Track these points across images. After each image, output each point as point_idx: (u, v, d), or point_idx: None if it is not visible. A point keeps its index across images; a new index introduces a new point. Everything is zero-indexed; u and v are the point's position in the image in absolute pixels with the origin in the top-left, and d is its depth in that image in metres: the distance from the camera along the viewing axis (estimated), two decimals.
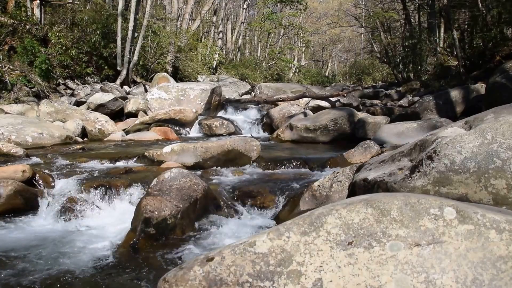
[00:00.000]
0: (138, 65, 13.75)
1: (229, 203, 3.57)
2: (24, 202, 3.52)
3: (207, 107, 9.88)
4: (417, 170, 2.39)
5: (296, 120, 7.44)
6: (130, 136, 7.47)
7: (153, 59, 14.45)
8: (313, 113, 8.22)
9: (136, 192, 3.69)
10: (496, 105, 3.26)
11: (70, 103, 9.43)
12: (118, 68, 12.65)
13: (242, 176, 4.30)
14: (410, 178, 2.41)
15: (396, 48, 19.96)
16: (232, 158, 4.83)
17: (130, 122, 8.49)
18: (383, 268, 1.48)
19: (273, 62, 28.31)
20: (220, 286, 1.50)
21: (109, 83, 11.81)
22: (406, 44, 16.24)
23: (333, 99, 11.59)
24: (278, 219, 3.29)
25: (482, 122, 2.62)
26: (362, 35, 35.96)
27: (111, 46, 12.61)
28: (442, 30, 15.09)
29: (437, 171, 2.29)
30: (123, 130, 7.98)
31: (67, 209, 3.48)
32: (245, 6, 26.87)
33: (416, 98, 10.24)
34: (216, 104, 10.36)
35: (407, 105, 10.12)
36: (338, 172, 3.36)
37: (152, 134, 7.58)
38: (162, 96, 9.64)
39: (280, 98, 11.08)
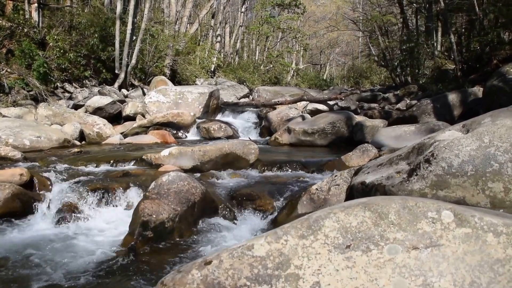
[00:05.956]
0: (136, 69, 13.74)
1: (227, 206, 3.57)
2: (22, 205, 3.52)
3: (205, 110, 9.87)
4: (415, 174, 2.40)
5: (294, 124, 7.44)
6: (128, 140, 7.45)
7: (151, 62, 14.44)
8: (311, 117, 8.22)
9: (134, 195, 3.69)
10: (493, 108, 3.26)
11: (68, 106, 9.40)
12: (116, 71, 12.64)
13: (240, 179, 4.30)
14: (407, 181, 2.41)
15: (394, 52, 19.99)
16: (230, 162, 4.83)
17: (128, 125, 8.48)
18: (381, 272, 1.48)
19: (271, 66, 28.34)
20: None
21: (107, 86, 11.79)
22: (404, 47, 16.26)
23: (331, 102, 11.61)
24: (276, 222, 3.28)
25: (480, 125, 2.63)
26: (360, 39, 36.01)
27: (109, 49, 12.60)
28: (439, 33, 15.12)
29: (434, 175, 2.30)
30: (121, 133, 7.96)
31: (65, 213, 3.48)
32: (243, 10, 26.90)
33: (413, 102, 10.26)
34: (214, 107, 10.36)
35: (404, 108, 10.14)
36: (336, 176, 3.36)
37: (150, 138, 7.57)
38: (160, 99, 9.63)
39: (278, 101, 11.10)
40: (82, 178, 4.15)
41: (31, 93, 9.27)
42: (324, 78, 36.40)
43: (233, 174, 4.49)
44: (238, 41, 27.31)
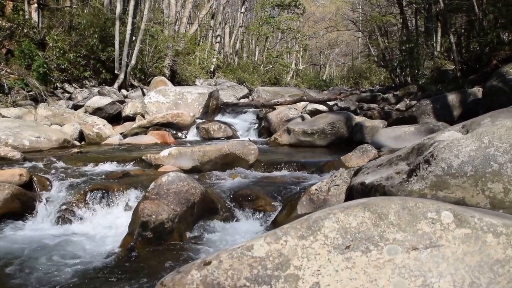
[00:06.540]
0: (136, 69, 13.74)
1: (227, 206, 3.57)
2: (21, 205, 3.51)
3: (205, 110, 9.88)
4: (415, 174, 2.40)
5: (294, 124, 7.44)
6: (128, 140, 7.45)
7: (151, 62, 14.44)
8: (311, 117, 8.22)
9: (133, 196, 3.68)
10: (493, 109, 3.27)
11: (67, 107, 9.41)
12: (116, 71, 12.65)
13: (240, 180, 4.30)
14: (407, 182, 2.41)
15: (393, 52, 19.99)
16: (230, 162, 4.83)
17: (127, 126, 8.48)
18: (381, 272, 1.48)
19: (271, 66, 28.35)
20: None
21: (106, 87, 11.80)
22: (403, 48, 16.25)
23: (330, 103, 11.61)
24: (276, 222, 3.28)
25: (479, 126, 2.63)
26: (360, 39, 36.06)
27: (109, 50, 12.61)
28: (439, 34, 15.11)
29: (434, 175, 2.30)
30: (121, 133, 7.97)
31: (64, 213, 3.48)
32: (242, 10, 26.92)
33: (413, 102, 10.25)
34: (213, 107, 10.36)
35: (404, 109, 10.13)
36: (335, 176, 3.36)
37: (149, 138, 7.57)
38: (160, 99, 9.64)
39: (278, 102, 11.08)
40: (81, 178, 4.15)
41: (30, 93, 9.28)
42: (324, 78, 36.36)
43: (233, 175, 4.49)
44: (238, 41, 27.32)
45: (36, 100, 9.20)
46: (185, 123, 8.55)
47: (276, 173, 4.69)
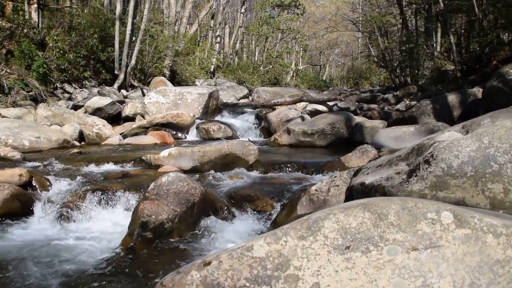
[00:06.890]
0: (136, 69, 13.74)
1: (227, 207, 3.56)
2: (21, 206, 3.51)
3: (205, 111, 9.88)
4: (415, 174, 2.40)
5: (294, 124, 7.44)
6: (128, 140, 7.45)
7: (150, 63, 14.45)
8: (311, 117, 8.22)
9: (133, 196, 3.68)
10: (493, 109, 3.27)
11: (67, 107, 9.41)
12: (116, 72, 12.65)
13: (240, 180, 4.30)
14: (407, 182, 2.41)
15: (393, 52, 19.99)
16: (230, 162, 4.82)
17: (127, 126, 8.48)
18: (381, 273, 1.48)
19: (271, 66, 28.36)
20: None
21: (106, 87, 11.80)
22: (403, 48, 16.25)
23: (330, 103, 11.61)
24: (276, 223, 3.28)
25: (479, 126, 2.63)
26: (360, 39, 36.10)
27: (109, 50, 12.61)
28: (439, 34, 15.11)
29: (434, 175, 2.30)
30: (121, 134, 7.96)
31: (64, 213, 3.47)
32: (242, 10, 26.95)
33: (413, 102, 10.25)
34: (213, 108, 10.36)
35: (404, 109, 10.13)
36: (335, 176, 3.36)
37: (149, 138, 7.57)
38: (160, 100, 9.64)
39: (278, 102, 11.08)
40: (81, 178, 4.15)
41: (30, 93, 9.27)
42: (324, 78, 36.39)
43: (233, 175, 4.49)
44: (238, 41, 27.35)
45: (36, 100, 9.19)
46: (185, 123, 8.55)
47: (276, 174, 4.68)
